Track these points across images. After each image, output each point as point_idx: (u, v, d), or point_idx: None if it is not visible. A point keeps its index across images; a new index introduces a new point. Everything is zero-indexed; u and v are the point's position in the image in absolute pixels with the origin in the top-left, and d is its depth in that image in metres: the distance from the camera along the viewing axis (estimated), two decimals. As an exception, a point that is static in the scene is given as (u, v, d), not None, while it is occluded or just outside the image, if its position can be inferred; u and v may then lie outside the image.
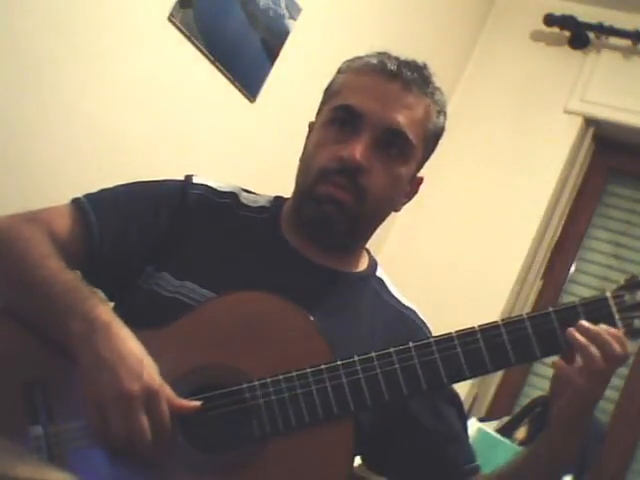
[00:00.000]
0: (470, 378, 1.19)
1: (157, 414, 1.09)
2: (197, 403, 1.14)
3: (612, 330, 1.16)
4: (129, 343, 1.12)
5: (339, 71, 1.39)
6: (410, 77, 1.31)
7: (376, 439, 1.31)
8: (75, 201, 1.32)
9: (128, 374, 1.08)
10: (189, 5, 2.19)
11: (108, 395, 1.07)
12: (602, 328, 1.15)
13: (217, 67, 2.31)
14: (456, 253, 3.10)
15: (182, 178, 1.39)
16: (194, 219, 1.33)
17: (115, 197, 1.34)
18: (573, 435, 1.21)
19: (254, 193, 1.42)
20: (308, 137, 1.38)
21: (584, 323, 1.16)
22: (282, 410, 1.15)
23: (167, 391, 1.11)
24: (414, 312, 1.40)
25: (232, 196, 1.38)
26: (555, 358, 1.17)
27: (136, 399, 1.07)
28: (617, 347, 1.14)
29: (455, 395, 1.38)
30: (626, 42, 3.09)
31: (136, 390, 1.08)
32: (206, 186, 1.37)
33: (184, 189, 1.35)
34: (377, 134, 1.29)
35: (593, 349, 1.14)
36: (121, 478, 1.13)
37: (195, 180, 1.38)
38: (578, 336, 1.15)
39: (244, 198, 1.39)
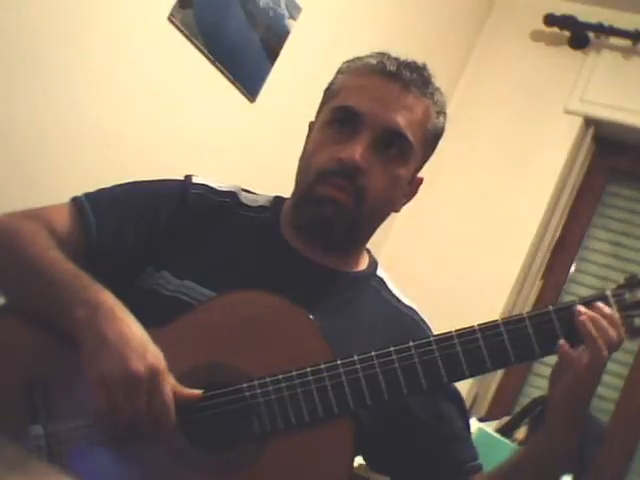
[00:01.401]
0: (470, 377, 1.19)
1: (161, 395, 1.10)
2: (198, 391, 1.14)
3: (606, 310, 1.16)
4: (134, 327, 1.13)
5: (339, 71, 1.39)
6: (409, 78, 1.31)
7: (377, 438, 1.31)
8: (74, 200, 1.33)
9: (133, 355, 1.09)
10: (189, 5, 2.19)
11: (113, 375, 1.08)
12: (598, 309, 1.16)
13: (217, 67, 2.32)
14: (456, 253, 3.10)
15: (182, 178, 1.39)
16: (194, 218, 1.33)
17: (114, 196, 1.34)
18: (570, 429, 1.21)
19: (254, 193, 1.42)
20: (308, 137, 1.38)
21: (582, 309, 1.17)
22: (282, 409, 1.15)
23: (170, 376, 1.12)
24: (414, 311, 1.40)
25: (232, 196, 1.38)
26: (561, 340, 1.17)
27: (141, 379, 1.08)
28: (614, 334, 1.15)
29: (456, 393, 1.37)
30: (626, 42, 3.09)
31: (141, 370, 1.08)
32: (206, 186, 1.37)
33: (184, 189, 1.35)
34: (376, 135, 1.29)
35: (601, 341, 1.15)
36: (121, 477, 1.14)
37: (195, 180, 1.38)
38: (590, 328, 1.15)
39: (244, 198, 1.39)
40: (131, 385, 1.08)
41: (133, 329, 1.13)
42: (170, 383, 1.12)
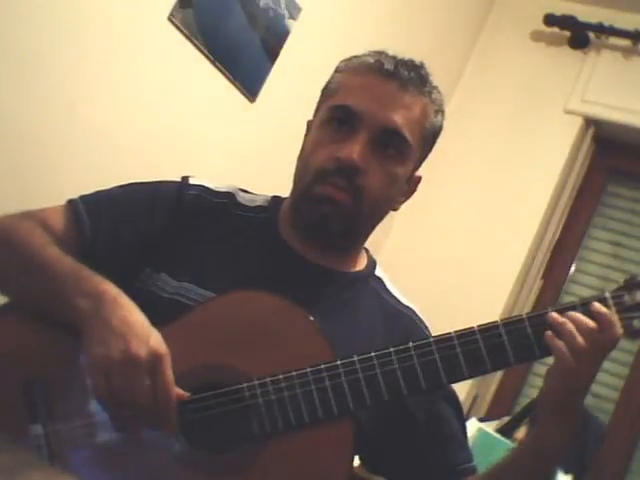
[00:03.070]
0: (469, 378, 1.19)
1: (162, 379, 1.11)
2: (185, 393, 1.14)
3: (602, 310, 1.16)
4: (136, 314, 1.15)
5: (336, 70, 1.38)
6: (407, 76, 1.31)
7: (374, 439, 1.31)
8: (70, 202, 1.33)
9: (135, 339, 1.10)
10: (189, 5, 2.19)
11: (114, 357, 1.09)
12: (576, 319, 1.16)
13: (217, 67, 2.32)
14: (456, 253, 3.10)
15: (179, 179, 1.39)
16: (191, 220, 1.33)
17: (110, 198, 1.34)
18: (561, 426, 1.20)
19: (251, 193, 1.42)
20: (306, 136, 1.38)
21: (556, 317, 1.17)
22: (282, 409, 1.15)
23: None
24: (413, 311, 1.40)
25: (229, 196, 1.38)
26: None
27: (140, 361, 1.09)
28: (581, 340, 1.15)
29: (453, 395, 1.37)
30: (626, 42, 3.09)
31: (143, 354, 1.09)
32: (203, 186, 1.37)
33: (180, 190, 1.35)
34: (374, 134, 1.29)
35: (565, 350, 1.15)
36: (121, 477, 1.14)
37: (192, 181, 1.38)
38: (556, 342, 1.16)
39: (241, 198, 1.39)
40: (131, 366, 1.09)
41: (136, 316, 1.14)
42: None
